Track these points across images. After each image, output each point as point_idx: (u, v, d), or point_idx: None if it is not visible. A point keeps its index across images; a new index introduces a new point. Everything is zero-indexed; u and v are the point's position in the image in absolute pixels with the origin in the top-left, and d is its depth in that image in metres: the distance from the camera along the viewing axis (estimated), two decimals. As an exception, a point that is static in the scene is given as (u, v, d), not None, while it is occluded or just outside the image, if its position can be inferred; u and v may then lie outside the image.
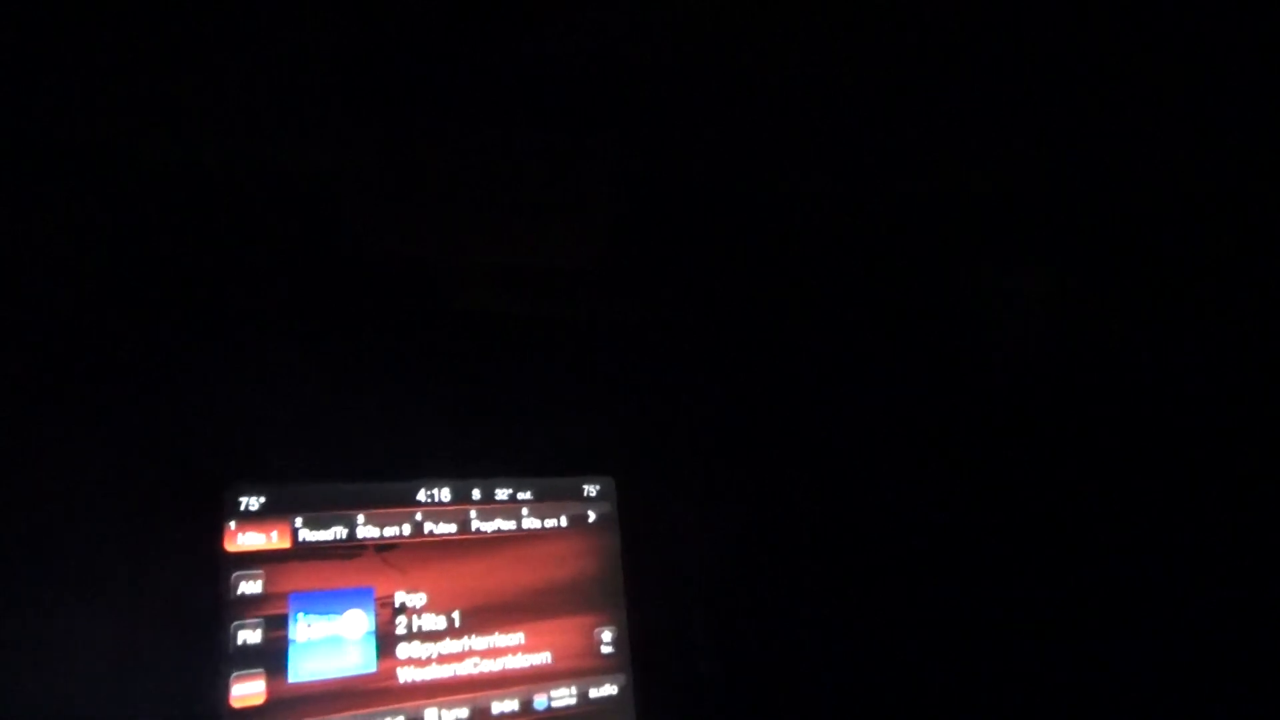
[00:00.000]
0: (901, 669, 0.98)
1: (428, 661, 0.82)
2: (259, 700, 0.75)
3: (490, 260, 0.92)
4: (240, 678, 0.75)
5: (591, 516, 0.94)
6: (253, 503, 0.80)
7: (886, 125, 0.82)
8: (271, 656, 0.77)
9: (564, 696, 0.86)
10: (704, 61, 0.71)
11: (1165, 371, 1.06)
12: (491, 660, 0.84)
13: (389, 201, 0.83)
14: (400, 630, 0.82)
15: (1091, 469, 1.07)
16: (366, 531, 0.83)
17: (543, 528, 0.91)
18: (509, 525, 0.90)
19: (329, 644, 0.79)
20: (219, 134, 0.75)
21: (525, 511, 0.91)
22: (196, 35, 0.64)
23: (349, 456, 0.85)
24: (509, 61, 0.70)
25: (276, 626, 0.78)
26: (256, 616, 0.77)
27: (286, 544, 0.80)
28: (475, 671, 0.84)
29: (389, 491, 0.86)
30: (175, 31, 0.63)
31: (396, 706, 0.80)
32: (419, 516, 0.86)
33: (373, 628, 0.81)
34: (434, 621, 0.83)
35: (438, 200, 0.85)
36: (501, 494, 0.90)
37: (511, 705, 0.84)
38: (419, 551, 0.85)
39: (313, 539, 0.81)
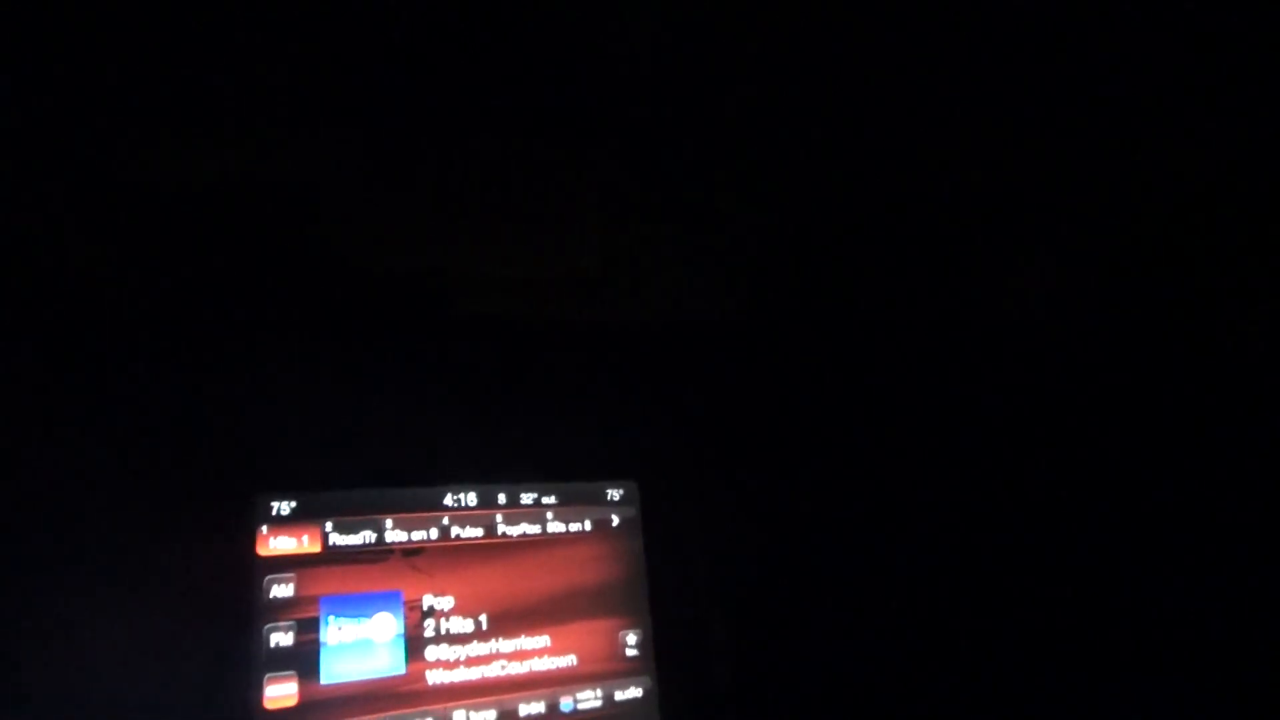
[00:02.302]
0: (922, 673, 0.98)
1: (456, 664, 0.83)
2: (291, 702, 0.77)
3: (486, 271, 0.93)
4: (273, 680, 0.77)
5: (615, 520, 0.95)
6: (284, 508, 0.82)
7: (885, 125, 0.83)
8: (303, 659, 0.78)
9: (589, 699, 0.87)
10: (697, 67, 0.72)
11: (1180, 371, 1.05)
12: (518, 663, 0.85)
13: (382, 215, 0.85)
14: (429, 633, 0.83)
15: (1116, 475, 1.07)
16: (395, 536, 0.85)
17: (567, 531, 0.92)
18: (534, 529, 0.91)
19: (359, 646, 0.80)
20: (233, 149, 0.76)
21: (550, 515, 0.92)
22: (196, 54, 0.65)
23: (377, 462, 0.87)
24: (498, 73, 0.71)
25: (308, 629, 0.79)
26: (288, 619, 0.79)
27: (317, 548, 0.82)
28: (502, 674, 0.85)
29: (416, 496, 0.87)
30: (174, 49, 0.64)
31: (425, 708, 0.81)
32: (446, 521, 0.87)
33: (402, 630, 0.82)
34: (462, 624, 0.85)
35: (429, 213, 0.86)
36: (526, 498, 0.92)
37: (538, 707, 0.85)
38: (446, 555, 0.86)
39: (342, 543, 0.83)
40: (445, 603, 0.85)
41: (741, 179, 0.92)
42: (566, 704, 0.86)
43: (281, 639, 0.78)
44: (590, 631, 0.89)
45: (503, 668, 0.85)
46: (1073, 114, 0.81)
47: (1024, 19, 0.67)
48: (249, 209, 0.83)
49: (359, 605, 0.81)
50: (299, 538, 0.81)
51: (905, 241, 1.04)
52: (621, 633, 0.91)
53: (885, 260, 1.07)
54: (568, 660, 0.87)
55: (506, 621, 0.86)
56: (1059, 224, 1.01)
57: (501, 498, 0.91)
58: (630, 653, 0.90)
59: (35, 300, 0.81)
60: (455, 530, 0.87)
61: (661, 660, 0.91)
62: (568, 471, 0.94)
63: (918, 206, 0.98)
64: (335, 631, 0.80)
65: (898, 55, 0.72)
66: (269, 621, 0.78)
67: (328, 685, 0.78)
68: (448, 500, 0.88)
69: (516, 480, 0.92)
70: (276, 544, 0.81)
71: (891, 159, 0.89)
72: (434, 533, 0.86)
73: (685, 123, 0.82)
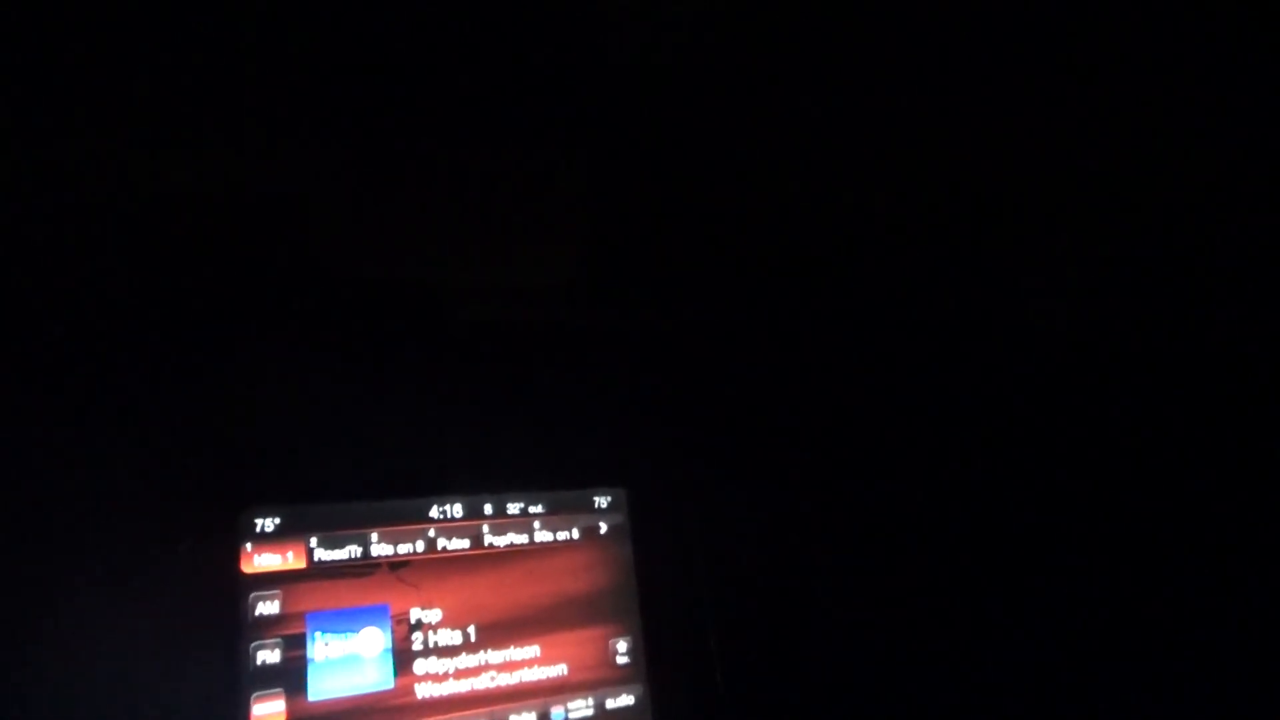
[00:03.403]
0: (916, 678, 0.98)
1: (445, 677, 0.83)
2: (279, 720, 0.76)
3: (468, 280, 0.93)
4: (260, 698, 0.76)
5: (603, 528, 0.94)
6: (268, 524, 0.81)
7: (878, 130, 0.83)
8: (290, 676, 0.78)
9: (581, 708, 0.87)
10: (685, 75, 0.72)
11: (1184, 371, 1.05)
12: (508, 674, 0.85)
13: (366, 224, 0.84)
14: (417, 646, 0.83)
15: (1112, 471, 1.07)
16: (380, 549, 0.84)
17: (555, 540, 0.92)
18: (521, 539, 0.90)
19: (347, 662, 0.80)
20: (214, 159, 0.76)
21: (537, 525, 0.91)
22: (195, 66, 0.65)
23: (362, 475, 0.86)
24: (483, 81, 0.71)
25: (295, 646, 0.79)
26: (275, 636, 0.78)
27: (302, 564, 0.81)
28: (492, 685, 0.84)
29: (402, 509, 0.87)
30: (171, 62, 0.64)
31: (415, 722, 0.81)
32: (432, 533, 0.87)
33: (389, 645, 0.82)
34: (450, 637, 0.84)
35: (409, 222, 0.85)
36: (513, 508, 0.91)
37: (529, 718, 0.85)
38: (433, 568, 0.86)
39: (328, 558, 0.82)
40: (433, 615, 0.84)
41: (728, 186, 0.92)
42: (558, 714, 0.86)
43: (268, 656, 0.78)
44: (580, 640, 0.89)
45: (492, 679, 0.84)
46: (1066, 110, 0.80)
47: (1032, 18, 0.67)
48: (230, 226, 0.83)
49: (346, 620, 0.81)
50: (284, 554, 0.81)
51: (897, 247, 1.03)
52: (612, 641, 0.90)
53: (876, 265, 1.06)
54: (558, 670, 0.87)
55: (495, 633, 0.86)
56: (1059, 225, 1.01)
57: (488, 508, 0.90)
58: (621, 661, 0.90)
59: (15, 317, 0.81)
60: (442, 542, 0.87)
61: (652, 668, 0.91)
62: (554, 480, 0.94)
63: (911, 212, 0.98)
64: (322, 647, 0.79)
65: (897, 56, 0.71)
66: (255, 639, 0.78)
67: (315, 702, 0.78)
68: (434, 512, 0.88)
69: (503, 490, 0.91)
70: (261, 561, 0.80)
71: (889, 162, 0.89)
72: (420, 545, 0.86)
73: (671, 132, 0.82)
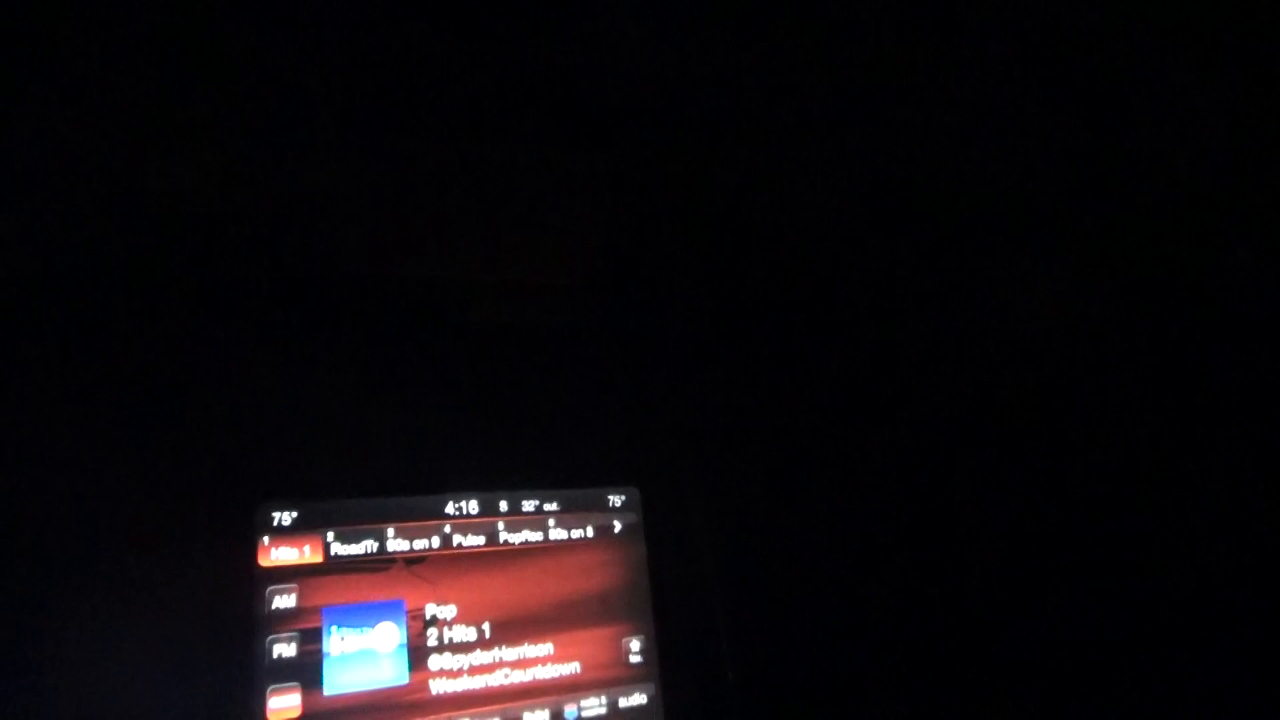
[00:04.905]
0: (927, 676, 0.98)
1: (459, 673, 0.83)
2: (295, 713, 0.77)
3: (486, 278, 0.93)
4: (276, 691, 0.76)
5: (617, 527, 0.95)
6: (285, 518, 0.82)
7: (881, 130, 0.83)
8: (306, 670, 0.78)
9: (594, 706, 0.87)
10: (695, 76, 0.72)
11: (1182, 371, 1.05)
12: (522, 671, 0.85)
13: (384, 222, 0.85)
14: (431, 642, 0.83)
15: (1117, 473, 1.07)
16: (396, 545, 0.85)
17: (569, 539, 0.92)
18: (536, 537, 0.90)
19: (362, 657, 0.80)
20: (236, 160, 0.77)
21: (552, 523, 0.92)
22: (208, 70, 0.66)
23: (378, 471, 0.87)
24: (501, 80, 0.71)
25: (310, 640, 0.79)
26: (291, 630, 0.79)
27: (319, 558, 0.82)
28: (506, 682, 0.84)
29: (418, 505, 0.87)
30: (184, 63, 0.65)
31: (429, 718, 0.81)
32: (448, 529, 0.87)
33: (404, 640, 0.82)
34: (464, 633, 0.84)
35: (429, 220, 0.86)
36: (528, 506, 0.91)
37: (542, 716, 0.85)
38: (448, 564, 0.86)
39: (344, 553, 0.83)
40: (448, 611, 0.84)
41: (741, 187, 0.92)
42: (570, 712, 0.86)
43: (284, 650, 0.78)
44: (593, 639, 0.89)
45: (506, 676, 0.84)
46: (1066, 112, 0.81)
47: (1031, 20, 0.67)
48: (249, 224, 0.83)
49: (361, 615, 0.81)
50: (301, 548, 0.81)
51: (904, 247, 1.04)
52: (625, 640, 0.90)
53: (884, 265, 1.07)
54: (571, 668, 0.87)
55: (509, 630, 0.86)
56: (1057, 228, 1.01)
57: (503, 505, 0.90)
58: (634, 659, 0.90)
59: (35, 310, 0.81)
60: (457, 538, 0.87)
61: (665, 667, 0.91)
62: (569, 478, 0.94)
63: (917, 214, 0.98)
64: (338, 642, 0.80)
65: (900, 59, 0.72)
66: (271, 632, 0.78)
67: (331, 696, 0.78)
68: (449, 508, 0.88)
69: (518, 487, 0.92)
70: (278, 555, 0.80)
71: (897, 163, 0.89)
72: (436, 541, 0.86)
73: (685, 132, 0.82)
